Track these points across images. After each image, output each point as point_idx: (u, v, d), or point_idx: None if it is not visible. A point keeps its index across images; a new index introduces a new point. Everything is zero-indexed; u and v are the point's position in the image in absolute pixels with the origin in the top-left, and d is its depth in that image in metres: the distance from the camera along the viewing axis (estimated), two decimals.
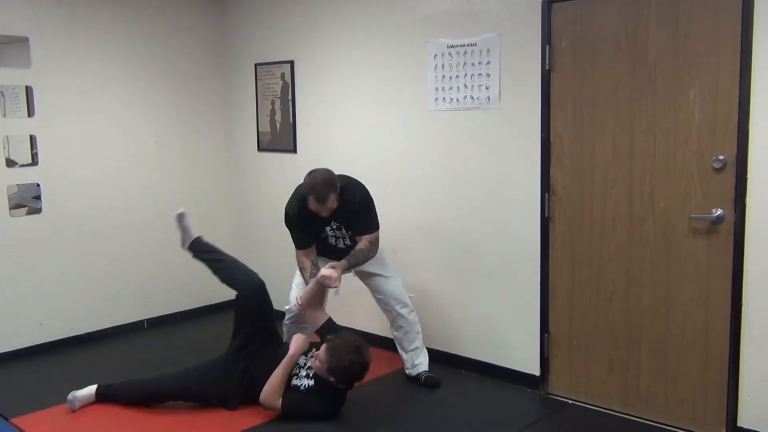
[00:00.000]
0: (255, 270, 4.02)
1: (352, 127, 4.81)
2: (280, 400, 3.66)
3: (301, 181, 3.83)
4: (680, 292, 3.48)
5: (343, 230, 3.98)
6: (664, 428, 3.57)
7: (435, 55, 4.26)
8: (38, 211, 4.79)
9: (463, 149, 4.21)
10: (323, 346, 3.62)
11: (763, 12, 3.09)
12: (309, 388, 3.66)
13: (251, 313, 3.88)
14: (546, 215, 3.89)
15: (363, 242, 3.90)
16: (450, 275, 4.37)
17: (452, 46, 4.17)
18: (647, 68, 3.46)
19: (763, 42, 3.11)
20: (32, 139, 4.77)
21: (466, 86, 4.14)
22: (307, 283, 3.92)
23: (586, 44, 3.66)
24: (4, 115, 4.85)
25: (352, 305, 4.60)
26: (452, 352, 4.41)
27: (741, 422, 3.34)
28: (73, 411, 3.80)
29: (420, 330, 4.20)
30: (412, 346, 4.18)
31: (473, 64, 4.09)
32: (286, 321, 4.25)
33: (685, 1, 3.31)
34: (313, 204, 3.76)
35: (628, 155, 3.57)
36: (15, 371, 4.52)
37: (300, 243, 4.00)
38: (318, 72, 4.98)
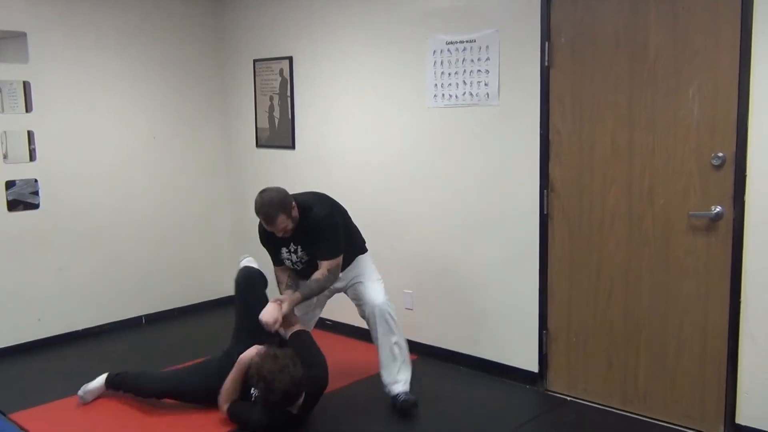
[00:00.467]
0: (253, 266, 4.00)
1: (351, 123, 4.80)
2: (227, 405, 3.56)
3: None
4: (679, 289, 3.48)
5: (300, 253, 3.70)
6: (663, 425, 3.58)
7: (434, 52, 4.25)
8: (36, 206, 4.78)
9: (461, 146, 4.21)
10: (257, 353, 3.41)
11: (762, 9, 3.09)
12: (256, 398, 3.48)
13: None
14: (545, 212, 3.89)
15: (321, 270, 3.59)
16: (448, 271, 4.37)
17: (451, 43, 4.17)
18: (647, 65, 3.45)
19: (762, 39, 3.10)
20: (30, 134, 4.76)
21: (465, 83, 4.14)
22: (281, 293, 3.73)
23: (585, 41, 3.65)
24: (2, 111, 4.83)
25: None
26: (451, 348, 4.41)
27: (739, 419, 3.34)
28: (86, 404, 3.82)
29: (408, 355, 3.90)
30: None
31: (472, 61, 4.08)
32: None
33: None
34: (264, 224, 3.60)
35: (627, 152, 3.57)
36: (13, 367, 4.52)
37: (272, 260, 3.84)
38: (317, 68, 4.97)
